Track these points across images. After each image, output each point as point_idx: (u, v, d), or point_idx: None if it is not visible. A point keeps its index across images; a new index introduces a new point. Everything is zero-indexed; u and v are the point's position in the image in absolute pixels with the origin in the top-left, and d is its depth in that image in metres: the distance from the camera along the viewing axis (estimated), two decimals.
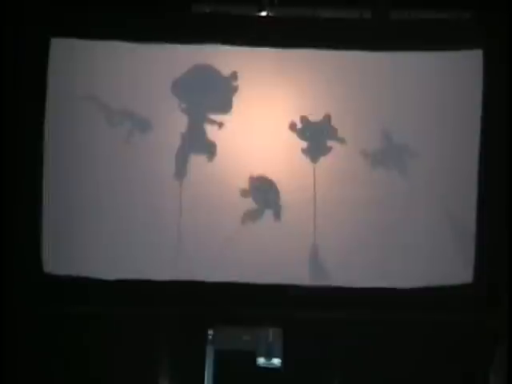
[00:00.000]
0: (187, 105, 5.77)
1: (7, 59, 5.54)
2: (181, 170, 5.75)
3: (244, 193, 5.75)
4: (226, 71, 5.78)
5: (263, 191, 5.76)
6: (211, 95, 5.80)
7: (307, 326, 5.55)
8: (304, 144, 5.82)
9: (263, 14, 5.83)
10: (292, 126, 5.78)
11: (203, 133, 5.77)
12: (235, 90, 5.77)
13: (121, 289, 5.62)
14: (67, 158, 5.73)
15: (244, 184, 5.75)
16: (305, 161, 5.80)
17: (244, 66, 5.82)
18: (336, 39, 5.78)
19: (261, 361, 4.71)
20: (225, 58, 5.80)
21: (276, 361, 4.71)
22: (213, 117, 5.80)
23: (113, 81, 5.77)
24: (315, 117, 5.80)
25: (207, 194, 5.74)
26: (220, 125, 5.76)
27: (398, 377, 5.62)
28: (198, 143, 5.77)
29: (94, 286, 5.60)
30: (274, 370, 4.77)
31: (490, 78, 5.73)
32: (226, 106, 5.77)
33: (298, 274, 5.69)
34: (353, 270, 5.73)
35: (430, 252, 5.74)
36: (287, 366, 4.87)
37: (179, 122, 5.79)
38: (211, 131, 5.79)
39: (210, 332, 4.70)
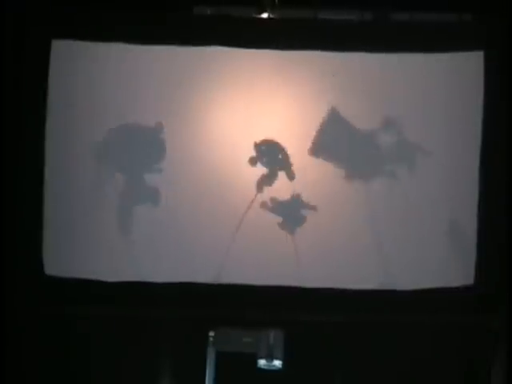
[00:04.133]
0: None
1: (8, 60, 5.54)
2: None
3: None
4: (150, 123, 5.77)
5: None
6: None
7: (308, 328, 5.55)
8: None
9: (264, 15, 5.83)
10: None
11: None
12: (162, 142, 5.76)
13: (121, 291, 5.62)
14: (68, 159, 5.73)
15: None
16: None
17: (245, 67, 5.81)
18: (337, 41, 5.78)
19: (262, 362, 4.71)
20: (226, 59, 5.79)
21: (277, 362, 4.71)
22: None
23: (114, 82, 5.77)
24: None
25: (208, 196, 5.75)
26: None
27: (399, 378, 5.62)
28: None
29: (95, 288, 5.60)
30: (275, 371, 4.78)
31: (491, 79, 5.72)
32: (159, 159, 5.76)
33: (300, 276, 5.69)
34: (353, 271, 5.73)
35: (431, 253, 5.73)
36: (288, 367, 4.88)
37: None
38: None
39: (211, 334, 4.70)
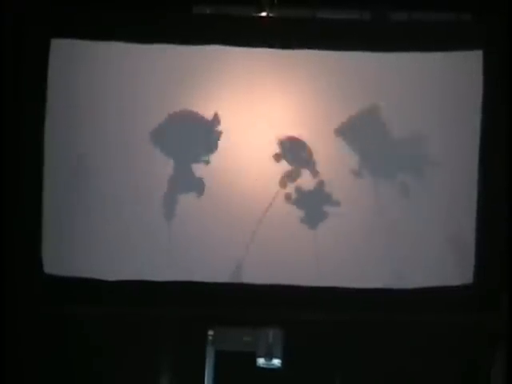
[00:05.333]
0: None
1: (8, 60, 5.53)
2: None
3: None
4: (208, 114, 5.77)
5: None
6: (194, 143, 5.80)
7: (307, 327, 5.55)
8: None
9: (263, 14, 5.84)
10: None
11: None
12: (219, 134, 5.76)
13: (121, 289, 5.62)
14: (68, 158, 5.73)
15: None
16: None
17: (244, 66, 5.82)
18: (336, 40, 5.78)
19: (261, 361, 4.73)
20: (225, 58, 5.79)
21: (276, 361, 4.73)
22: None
23: (114, 81, 5.77)
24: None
25: (210, 197, 5.76)
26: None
27: (399, 377, 5.62)
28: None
29: (95, 287, 5.60)
30: (274, 370, 4.78)
31: (490, 79, 5.72)
32: (210, 150, 5.76)
33: (299, 275, 5.69)
34: (353, 270, 5.73)
35: (430, 253, 5.73)
36: (287, 366, 4.89)
37: None
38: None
39: (210, 333, 4.73)
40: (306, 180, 5.77)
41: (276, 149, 5.79)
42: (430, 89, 5.77)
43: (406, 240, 5.76)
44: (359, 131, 5.80)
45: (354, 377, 5.66)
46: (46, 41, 5.68)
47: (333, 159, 5.80)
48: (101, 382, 5.63)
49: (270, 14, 5.82)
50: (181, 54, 5.80)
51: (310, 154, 5.79)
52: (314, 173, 5.78)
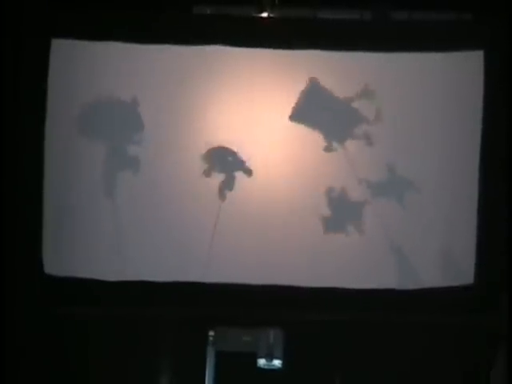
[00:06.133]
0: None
1: (8, 60, 5.54)
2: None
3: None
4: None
5: None
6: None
7: (308, 327, 5.55)
8: None
9: (264, 15, 5.83)
10: None
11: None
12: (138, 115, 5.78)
13: (121, 290, 5.62)
14: (68, 158, 5.73)
15: None
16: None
17: (244, 66, 5.81)
18: (336, 40, 5.78)
19: (261, 362, 4.73)
20: (225, 58, 5.79)
21: (276, 362, 4.73)
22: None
23: (114, 82, 5.77)
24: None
25: (208, 196, 5.76)
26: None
27: (399, 378, 5.62)
28: None
29: (95, 287, 5.60)
30: (275, 370, 4.78)
31: (490, 79, 5.72)
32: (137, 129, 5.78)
33: (300, 275, 5.69)
34: (353, 271, 5.73)
35: (431, 253, 5.73)
36: (288, 367, 4.89)
37: None
38: None
39: (211, 333, 4.72)
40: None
41: None
42: (431, 89, 5.77)
43: (406, 240, 5.76)
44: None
45: (353, 377, 5.66)
46: (46, 41, 5.68)
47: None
48: (101, 382, 5.62)
49: (271, 15, 5.82)
50: (181, 54, 5.80)
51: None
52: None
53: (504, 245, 5.59)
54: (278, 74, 5.79)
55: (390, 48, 5.78)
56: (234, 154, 5.80)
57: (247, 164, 5.80)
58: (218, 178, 5.78)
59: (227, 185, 5.76)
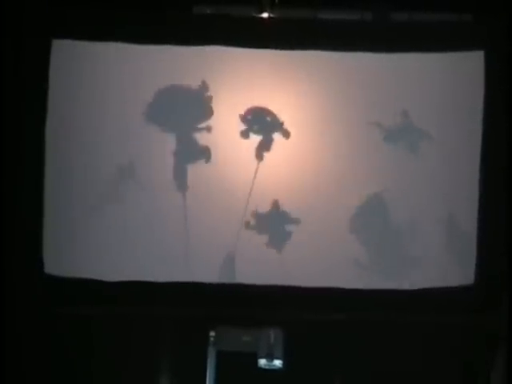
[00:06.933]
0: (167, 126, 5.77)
1: (8, 60, 5.53)
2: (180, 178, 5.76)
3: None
4: (194, 84, 5.77)
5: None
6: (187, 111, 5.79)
7: (308, 327, 5.56)
8: None
9: (264, 15, 5.83)
10: None
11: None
12: (210, 99, 5.77)
13: (122, 290, 5.62)
14: (68, 158, 5.73)
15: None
16: None
17: (244, 67, 5.81)
18: (337, 41, 5.78)
19: (262, 362, 4.72)
20: (225, 59, 5.79)
21: (277, 362, 4.72)
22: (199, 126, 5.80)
23: (114, 82, 5.77)
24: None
25: (209, 197, 5.75)
26: (208, 129, 5.75)
27: (399, 378, 5.62)
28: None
29: (95, 287, 5.60)
30: (275, 371, 4.78)
31: (491, 79, 5.72)
32: (206, 115, 5.76)
33: (299, 275, 5.69)
34: (353, 271, 5.73)
35: (431, 253, 5.74)
36: (288, 367, 4.88)
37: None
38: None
39: (212, 333, 4.71)
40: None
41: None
42: (431, 89, 5.78)
43: (406, 240, 5.76)
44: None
45: (353, 377, 5.66)
46: (47, 41, 5.68)
47: None
48: (101, 382, 5.62)
49: (271, 15, 5.82)
50: (181, 54, 5.80)
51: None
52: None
53: (504, 245, 5.60)
54: (278, 75, 5.79)
55: (390, 48, 5.78)
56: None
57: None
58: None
59: None
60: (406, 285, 5.73)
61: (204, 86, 5.77)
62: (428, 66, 5.77)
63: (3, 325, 5.40)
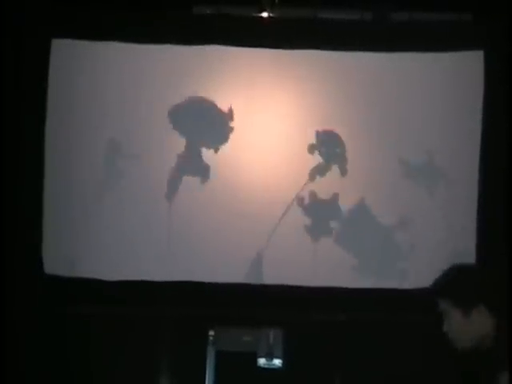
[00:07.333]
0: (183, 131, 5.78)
1: (8, 60, 5.53)
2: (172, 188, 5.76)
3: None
4: (224, 106, 5.78)
5: None
6: (207, 130, 5.80)
7: (308, 327, 5.56)
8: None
9: (264, 14, 5.83)
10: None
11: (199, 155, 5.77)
12: (231, 130, 5.77)
13: (121, 290, 5.62)
14: (68, 158, 5.73)
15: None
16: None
17: (244, 66, 5.82)
18: (337, 40, 5.79)
19: (262, 362, 4.71)
20: (225, 58, 5.79)
21: (277, 361, 4.71)
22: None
23: (114, 82, 5.77)
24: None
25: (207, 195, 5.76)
26: (216, 150, 5.75)
27: (399, 377, 5.61)
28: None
29: (95, 287, 5.60)
30: (275, 370, 4.77)
31: (490, 79, 5.73)
32: (221, 141, 5.76)
33: (299, 275, 5.69)
34: (353, 270, 5.73)
35: (431, 253, 5.74)
36: (288, 366, 4.88)
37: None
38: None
39: (211, 333, 4.70)
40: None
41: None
42: (431, 89, 5.78)
43: (406, 240, 5.76)
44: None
45: (353, 377, 5.65)
46: (47, 41, 5.69)
47: None
48: (101, 382, 5.62)
49: (271, 15, 5.82)
50: (181, 54, 5.80)
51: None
52: None
53: (504, 245, 5.59)
54: (278, 74, 5.79)
55: (390, 48, 5.79)
56: None
57: None
58: None
59: None
60: (406, 285, 5.73)
61: (230, 113, 5.78)
62: (428, 65, 5.77)
63: (3, 325, 5.40)
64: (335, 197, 5.77)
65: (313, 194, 5.76)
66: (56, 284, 5.61)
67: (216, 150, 5.76)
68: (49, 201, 5.70)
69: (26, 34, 5.60)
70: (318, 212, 5.77)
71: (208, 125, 5.79)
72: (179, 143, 5.78)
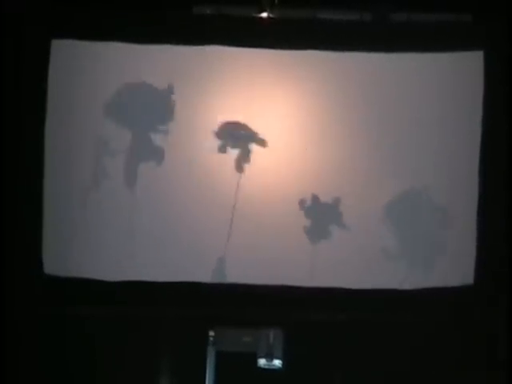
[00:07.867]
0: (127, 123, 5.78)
1: (8, 60, 5.54)
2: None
3: None
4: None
5: None
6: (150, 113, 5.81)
7: (308, 327, 5.56)
8: None
9: (264, 15, 5.84)
10: None
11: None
12: (173, 105, 5.77)
13: (122, 290, 5.62)
14: (68, 158, 5.73)
15: None
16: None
17: (244, 66, 5.82)
18: (336, 41, 5.79)
19: (261, 362, 4.73)
20: (225, 58, 5.79)
21: (277, 362, 4.72)
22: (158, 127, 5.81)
23: (114, 82, 5.77)
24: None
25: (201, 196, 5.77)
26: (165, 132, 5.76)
27: (398, 377, 5.62)
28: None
29: (95, 287, 5.60)
30: (275, 370, 4.78)
31: (490, 79, 5.73)
32: (166, 120, 5.77)
33: (299, 275, 5.69)
34: (353, 271, 5.73)
35: (431, 253, 5.74)
36: (288, 367, 4.89)
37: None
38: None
39: (211, 333, 4.72)
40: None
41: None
42: (431, 89, 5.78)
43: (406, 240, 5.76)
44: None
45: (353, 377, 5.66)
46: (47, 41, 5.68)
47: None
48: (101, 382, 5.63)
49: (271, 15, 5.82)
50: (181, 53, 5.80)
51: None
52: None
53: (504, 245, 5.59)
54: (278, 74, 5.80)
55: (389, 49, 5.79)
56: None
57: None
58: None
59: None
60: (406, 285, 5.73)
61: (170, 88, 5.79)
62: (427, 66, 5.77)
63: (3, 325, 5.40)
64: (336, 200, 5.78)
65: (315, 197, 5.77)
66: (55, 284, 5.61)
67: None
68: (48, 201, 5.69)
69: (25, 34, 5.60)
70: (318, 214, 5.77)
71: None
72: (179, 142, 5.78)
